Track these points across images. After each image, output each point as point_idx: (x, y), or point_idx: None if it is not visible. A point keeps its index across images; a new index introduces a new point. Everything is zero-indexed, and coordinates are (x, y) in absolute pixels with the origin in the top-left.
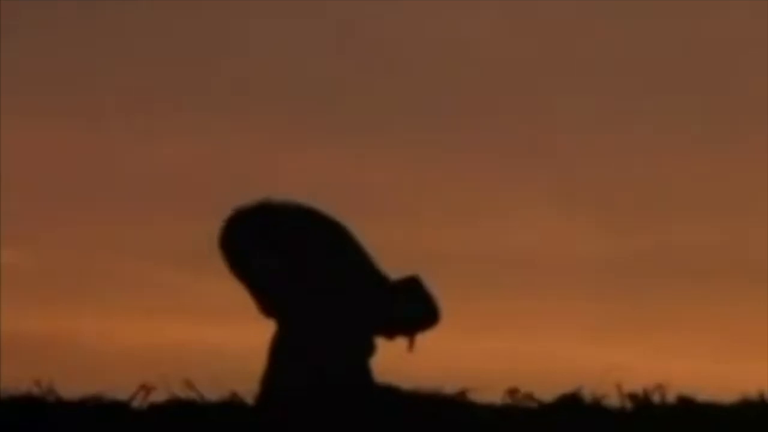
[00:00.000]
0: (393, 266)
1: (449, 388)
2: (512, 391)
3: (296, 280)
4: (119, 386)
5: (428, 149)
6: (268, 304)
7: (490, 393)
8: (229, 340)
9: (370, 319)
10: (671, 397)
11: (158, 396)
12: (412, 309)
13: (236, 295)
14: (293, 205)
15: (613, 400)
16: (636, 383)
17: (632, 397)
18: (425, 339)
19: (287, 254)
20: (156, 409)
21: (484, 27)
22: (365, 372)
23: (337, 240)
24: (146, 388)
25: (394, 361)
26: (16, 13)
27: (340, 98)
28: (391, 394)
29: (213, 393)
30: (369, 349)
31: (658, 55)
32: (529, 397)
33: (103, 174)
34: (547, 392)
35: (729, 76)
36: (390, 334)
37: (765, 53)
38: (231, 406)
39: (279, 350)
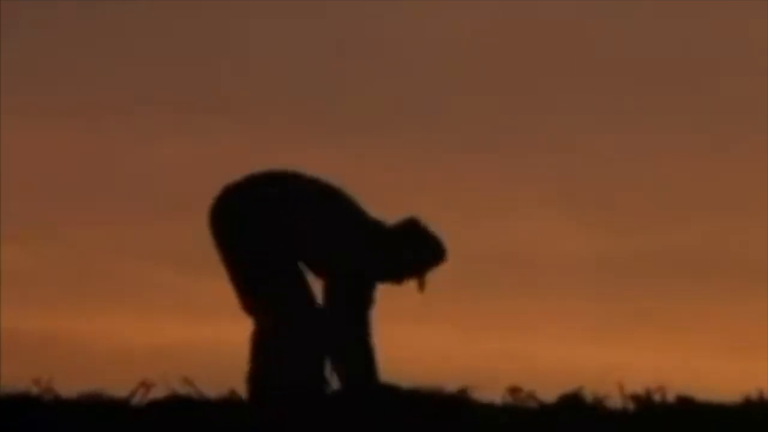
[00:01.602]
0: None
1: (450, 387)
2: (513, 390)
3: (287, 251)
4: (119, 386)
5: (428, 149)
6: (250, 301)
7: (490, 392)
8: (228, 340)
9: (373, 279)
10: (671, 397)
11: (157, 393)
12: (416, 250)
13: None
14: (279, 173)
15: (614, 400)
16: (636, 383)
17: (634, 397)
18: (426, 338)
19: (278, 222)
20: (155, 406)
21: (484, 27)
22: (366, 370)
23: (328, 198)
24: (146, 385)
25: (394, 361)
26: (16, 13)
27: (340, 98)
28: (391, 393)
29: (212, 390)
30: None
31: (658, 55)
32: (531, 396)
33: (103, 174)
34: (548, 392)
35: (729, 76)
36: (398, 279)
37: (765, 53)
38: (230, 402)
39: (267, 347)
